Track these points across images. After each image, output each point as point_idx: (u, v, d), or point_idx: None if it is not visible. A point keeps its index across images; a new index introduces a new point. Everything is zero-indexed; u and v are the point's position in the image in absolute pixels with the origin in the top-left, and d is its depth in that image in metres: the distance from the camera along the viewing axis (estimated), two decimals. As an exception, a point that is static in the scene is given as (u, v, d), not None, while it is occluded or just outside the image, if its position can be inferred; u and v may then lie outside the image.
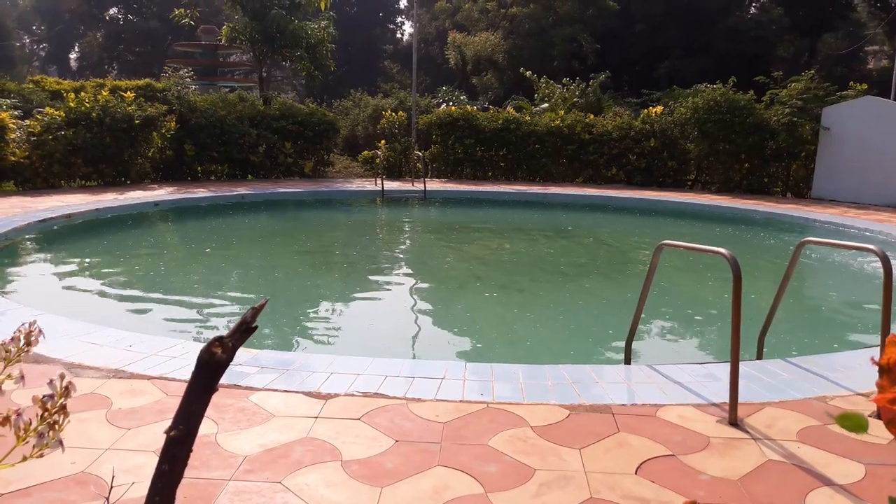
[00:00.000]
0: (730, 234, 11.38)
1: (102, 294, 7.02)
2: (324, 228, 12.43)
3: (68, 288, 7.28)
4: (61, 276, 7.97)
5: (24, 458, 1.05)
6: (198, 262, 9.06)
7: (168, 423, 3.09)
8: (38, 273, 8.01)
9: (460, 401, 3.64)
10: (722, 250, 3.47)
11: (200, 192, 13.60)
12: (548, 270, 8.87)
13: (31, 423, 1.07)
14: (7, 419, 1.05)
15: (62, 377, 1.09)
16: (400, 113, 19.05)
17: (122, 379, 3.83)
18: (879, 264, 3.58)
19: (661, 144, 17.00)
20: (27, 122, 13.84)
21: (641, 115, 17.82)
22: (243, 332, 0.88)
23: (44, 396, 1.06)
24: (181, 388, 3.69)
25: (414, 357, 5.37)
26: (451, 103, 22.31)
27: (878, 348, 4.13)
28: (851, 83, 16.35)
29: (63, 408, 1.08)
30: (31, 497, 2.66)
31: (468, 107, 19.12)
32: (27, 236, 9.26)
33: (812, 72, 16.80)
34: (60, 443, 1.04)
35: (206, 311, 6.61)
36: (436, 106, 22.29)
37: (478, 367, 4.18)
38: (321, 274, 8.48)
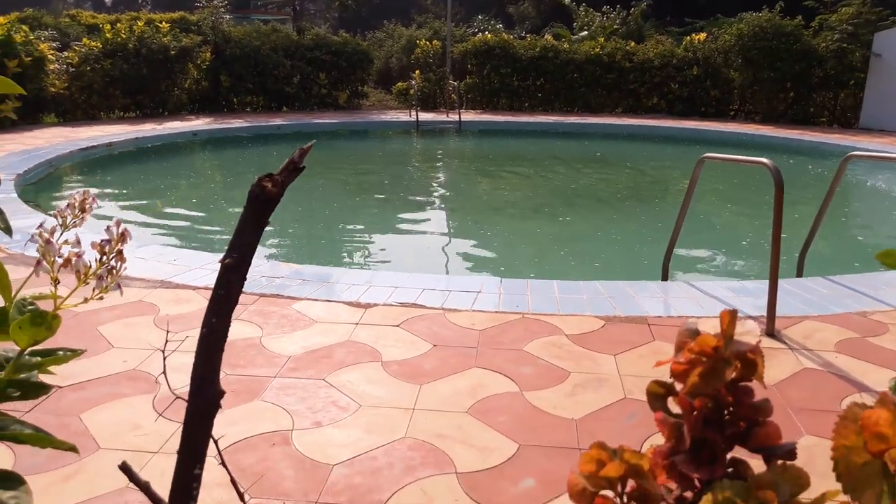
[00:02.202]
0: (772, 163, 11.09)
1: (144, 216, 7.18)
2: (360, 158, 12.44)
3: (111, 211, 7.45)
4: (104, 200, 8.14)
5: (86, 300, 1.10)
6: (236, 189, 9.17)
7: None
8: (83, 198, 8.18)
9: (496, 311, 3.69)
10: (764, 160, 3.41)
11: (237, 123, 13.66)
12: (584, 196, 8.80)
13: (90, 267, 1.11)
14: (69, 261, 1.10)
15: (118, 224, 1.13)
16: (434, 42, 18.72)
17: (169, 289, 3.96)
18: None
19: (704, 73, 16.50)
20: (65, 53, 13.95)
21: (684, 43, 17.27)
22: (291, 170, 0.91)
23: (102, 241, 1.10)
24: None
25: (449, 274, 5.43)
26: (486, 32, 21.80)
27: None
28: (907, 7, 15.60)
29: (120, 253, 1.12)
30: (86, 390, 2.79)
31: (504, 35, 18.67)
32: (71, 164, 9.45)
33: (866, -5, 16.03)
34: (119, 286, 1.08)
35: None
36: (471, 35, 21.82)
37: (513, 283, 4.22)
38: (357, 200, 8.54)
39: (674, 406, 0.76)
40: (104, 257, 1.13)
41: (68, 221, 1.22)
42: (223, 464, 1.13)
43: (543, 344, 3.27)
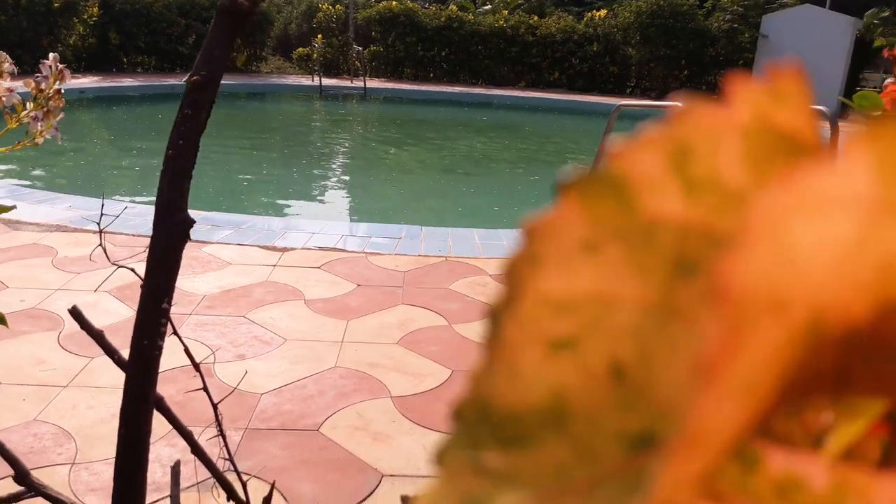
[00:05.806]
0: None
1: (29, 168, 6.67)
2: (262, 120, 12.03)
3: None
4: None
5: (18, 144, 0.98)
6: (130, 148, 8.67)
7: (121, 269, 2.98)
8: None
9: (419, 255, 3.64)
10: (679, 104, 3.50)
11: (128, 82, 12.91)
12: (492, 158, 8.86)
13: (24, 106, 0.99)
14: (-1, 99, 0.96)
15: (56, 59, 1.00)
16: (338, 6, 18.30)
17: (65, 232, 3.68)
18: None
19: (604, 49, 16.91)
20: (-70, 0, 12.72)
21: (585, 19, 17.64)
22: (263, -10, 0.81)
23: (37, 76, 0.97)
24: (130, 240, 3.57)
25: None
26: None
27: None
28: (792, -8, 16.52)
29: (58, 92, 1.00)
30: (-20, 330, 2.55)
31: (409, 3, 18.48)
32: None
33: (754, -21, 16.86)
34: (56, 130, 0.96)
35: (144, 189, 6.37)
36: (375, 2, 21.46)
37: (434, 230, 4.18)
38: (266, 159, 8.24)
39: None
40: (39, 97, 1.01)
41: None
42: (176, 334, 1.03)
43: (469, 283, 3.25)
